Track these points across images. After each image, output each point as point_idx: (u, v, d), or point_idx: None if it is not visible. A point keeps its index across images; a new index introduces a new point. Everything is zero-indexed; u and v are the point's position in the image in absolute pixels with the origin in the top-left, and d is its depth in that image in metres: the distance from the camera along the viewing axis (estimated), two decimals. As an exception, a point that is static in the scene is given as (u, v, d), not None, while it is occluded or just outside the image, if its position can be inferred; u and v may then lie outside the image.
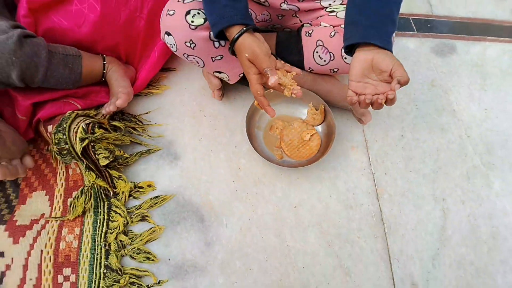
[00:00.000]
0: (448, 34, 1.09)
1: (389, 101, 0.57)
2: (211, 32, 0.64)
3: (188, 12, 0.63)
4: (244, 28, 0.59)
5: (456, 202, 0.80)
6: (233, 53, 0.63)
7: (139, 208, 0.73)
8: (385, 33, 0.62)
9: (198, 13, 0.64)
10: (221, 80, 0.80)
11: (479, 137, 0.90)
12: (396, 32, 1.05)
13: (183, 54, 0.69)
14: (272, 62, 0.60)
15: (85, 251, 0.68)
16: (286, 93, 0.61)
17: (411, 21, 1.09)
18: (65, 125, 0.71)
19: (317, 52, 0.77)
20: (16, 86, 0.64)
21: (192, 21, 0.63)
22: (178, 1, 0.65)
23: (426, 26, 1.09)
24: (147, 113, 0.84)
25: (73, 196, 0.72)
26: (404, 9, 1.12)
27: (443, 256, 0.73)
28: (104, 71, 0.77)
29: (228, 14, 0.58)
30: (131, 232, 0.70)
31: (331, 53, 0.75)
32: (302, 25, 0.82)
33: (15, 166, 0.66)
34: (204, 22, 0.63)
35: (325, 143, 0.78)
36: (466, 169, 0.85)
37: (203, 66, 0.72)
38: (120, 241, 0.69)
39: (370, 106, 0.60)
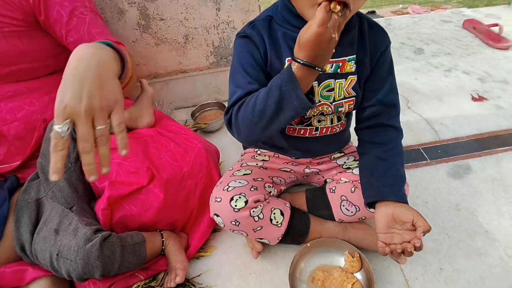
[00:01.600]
0: (460, 155, 1.19)
1: (417, 249, 0.64)
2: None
3: (231, 198, 0.79)
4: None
5: (520, 338, 0.76)
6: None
7: None
8: (397, 189, 0.73)
9: (239, 197, 0.79)
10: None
11: (522, 255, 0.90)
12: (411, 163, 1.16)
13: (230, 229, 0.82)
14: None
15: None
16: None
17: (422, 150, 1.21)
18: (132, 302, 0.81)
19: (343, 205, 0.88)
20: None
21: (236, 205, 0.78)
22: (223, 190, 0.81)
23: (437, 152, 1.20)
24: (198, 275, 0.94)
25: None
26: (413, 140, 1.27)
27: None
28: (163, 247, 0.91)
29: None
30: None
31: (355, 206, 0.86)
32: (325, 181, 0.96)
33: None
34: (245, 204, 0.78)
35: (367, 290, 0.82)
36: (519, 294, 0.83)
37: (247, 236, 0.84)
38: None
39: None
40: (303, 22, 0.61)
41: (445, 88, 1.55)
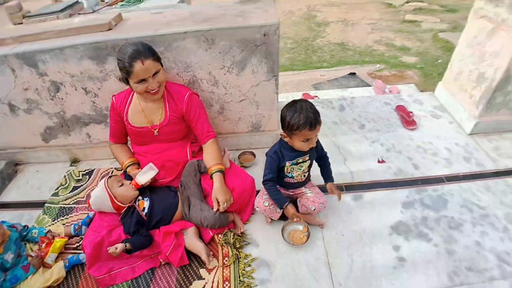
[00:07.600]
0: (361, 190, 2.64)
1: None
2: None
3: (264, 203, 2.26)
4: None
5: None
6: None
7: None
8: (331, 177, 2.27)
9: (267, 202, 2.26)
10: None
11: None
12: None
13: (261, 213, 2.29)
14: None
15: None
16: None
17: (344, 187, 2.66)
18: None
19: (302, 207, 2.32)
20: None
21: (265, 205, 2.25)
22: (261, 198, 2.28)
23: (351, 188, 2.65)
24: (246, 230, 2.39)
25: None
26: (342, 181, 2.72)
27: None
28: (233, 218, 2.37)
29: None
30: None
31: (307, 208, 2.30)
32: (297, 197, 2.41)
33: None
34: (268, 205, 2.26)
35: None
36: None
37: (267, 215, 2.31)
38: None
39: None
40: (295, 151, 2.08)
41: (366, 154, 2.99)
